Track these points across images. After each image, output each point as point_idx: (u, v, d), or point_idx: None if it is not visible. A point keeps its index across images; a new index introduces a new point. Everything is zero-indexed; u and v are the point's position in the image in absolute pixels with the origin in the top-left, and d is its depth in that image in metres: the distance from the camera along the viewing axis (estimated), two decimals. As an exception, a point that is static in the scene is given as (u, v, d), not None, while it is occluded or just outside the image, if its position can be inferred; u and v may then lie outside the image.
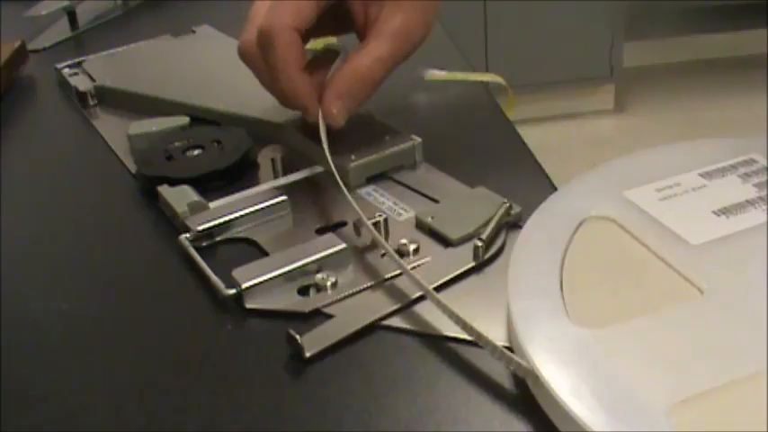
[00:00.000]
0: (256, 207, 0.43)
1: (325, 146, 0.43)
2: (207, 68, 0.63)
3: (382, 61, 0.44)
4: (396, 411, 0.31)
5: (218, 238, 0.42)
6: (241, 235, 0.43)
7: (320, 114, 0.44)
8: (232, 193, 0.46)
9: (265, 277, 0.37)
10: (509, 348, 0.31)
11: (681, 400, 0.26)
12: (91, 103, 0.62)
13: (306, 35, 0.45)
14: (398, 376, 0.32)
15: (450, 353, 0.33)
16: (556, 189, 0.43)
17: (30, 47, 0.74)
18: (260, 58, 0.45)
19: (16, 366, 0.36)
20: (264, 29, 0.44)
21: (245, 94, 0.56)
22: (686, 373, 0.27)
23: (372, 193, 0.45)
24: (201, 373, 0.34)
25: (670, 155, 0.42)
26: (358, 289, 0.37)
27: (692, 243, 0.35)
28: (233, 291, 0.37)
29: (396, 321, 0.35)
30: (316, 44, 0.68)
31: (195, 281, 0.40)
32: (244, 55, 0.48)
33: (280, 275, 0.38)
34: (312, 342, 0.34)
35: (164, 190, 0.45)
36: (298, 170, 0.48)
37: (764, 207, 0.36)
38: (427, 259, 0.39)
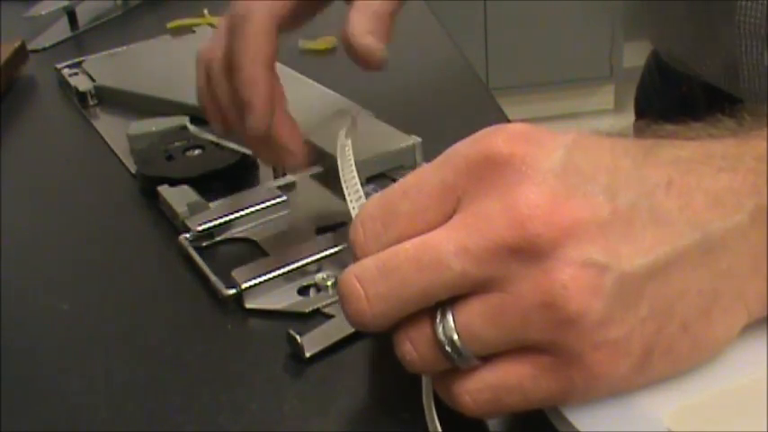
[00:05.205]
0: (256, 207, 0.43)
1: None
2: (207, 68, 0.63)
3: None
4: (396, 411, 0.31)
5: (218, 238, 0.42)
6: (241, 235, 0.43)
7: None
8: (232, 193, 0.46)
9: (265, 277, 0.37)
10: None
11: (680, 405, 0.26)
12: (91, 103, 0.62)
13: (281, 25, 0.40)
14: (399, 376, 0.32)
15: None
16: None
17: (30, 47, 0.74)
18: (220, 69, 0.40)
19: (16, 366, 0.36)
20: (240, 10, 0.39)
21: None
22: (686, 378, 0.27)
23: (372, 192, 0.45)
24: (201, 373, 0.34)
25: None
26: (358, 289, 0.37)
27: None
28: (233, 291, 0.37)
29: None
30: (316, 44, 0.68)
31: (195, 281, 0.40)
32: (200, 55, 0.42)
33: (280, 275, 0.38)
34: (312, 342, 0.34)
35: (164, 190, 0.45)
36: (298, 170, 0.48)
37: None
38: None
